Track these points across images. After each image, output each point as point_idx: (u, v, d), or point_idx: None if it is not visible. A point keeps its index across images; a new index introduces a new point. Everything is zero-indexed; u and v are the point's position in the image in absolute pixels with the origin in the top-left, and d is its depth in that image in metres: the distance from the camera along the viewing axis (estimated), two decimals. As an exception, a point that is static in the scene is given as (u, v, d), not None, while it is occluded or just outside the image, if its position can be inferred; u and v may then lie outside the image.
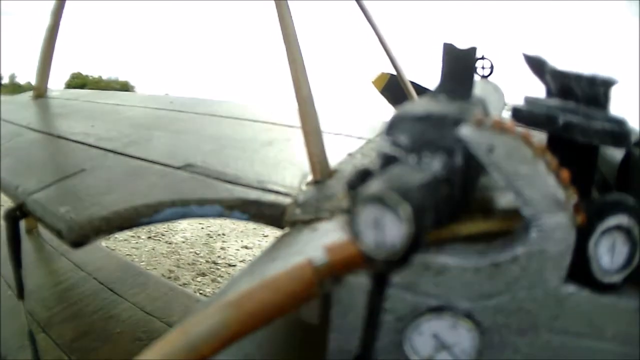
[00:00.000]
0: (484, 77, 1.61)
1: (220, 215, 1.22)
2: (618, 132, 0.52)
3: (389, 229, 0.39)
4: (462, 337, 0.56)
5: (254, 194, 1.26)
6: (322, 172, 1.30)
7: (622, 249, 0.48)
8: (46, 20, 2.61)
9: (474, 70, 0.66)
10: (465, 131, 0.44)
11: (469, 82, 0.62)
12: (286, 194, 1.24)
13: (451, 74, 0.60)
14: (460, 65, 0.60)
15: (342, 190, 1.20)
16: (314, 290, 0.50)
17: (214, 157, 1.66)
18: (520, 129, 0.44)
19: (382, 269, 0.43)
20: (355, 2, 2.36)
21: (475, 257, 0.52)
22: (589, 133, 0.51)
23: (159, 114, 2.29)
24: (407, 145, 0.48)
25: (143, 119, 2.18)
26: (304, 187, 1.27)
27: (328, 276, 0.51)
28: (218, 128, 2.07)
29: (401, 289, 0.57)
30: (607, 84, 0.54)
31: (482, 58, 1.61)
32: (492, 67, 1.61)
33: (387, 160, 0.50)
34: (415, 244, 0.40)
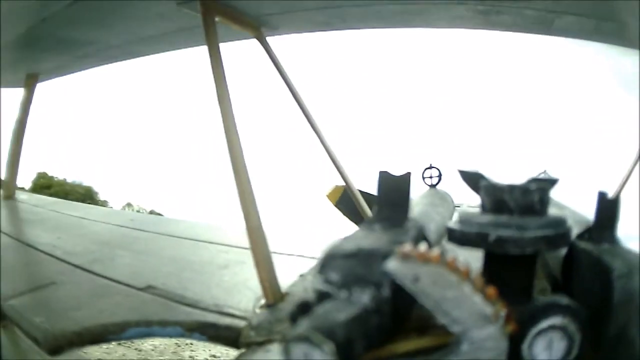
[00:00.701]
0: (432, 186, 1.63)
1: (181, 336, 1.37)
2: (553, 237, 0.54)
3: None
4: None
5: (211, 317, 1.43)
6: (273, 295, 1.45)
7: (559, 345, 0.52)
8: (14, 113, 2.77)
9: (409, 196, 0.66)
10: (391, 265, 0.47)
11: (405, 208, 0.65)
12: (241, 317, 1.42)
13: (387, 200, 0.63)
14: (395, 192, 0.63)
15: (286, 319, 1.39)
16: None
17: (174, 279, 1.82)
18: (447, 257, 0.46)
19: None
20: (305, 119, 2.50)
21: None
22: (521, 244, 0.53)
23: (122, 231, 2.45)
24: (338, 282, 0.52)
25: (107, 236, 2.33)
26: (257, 310, 1.46)
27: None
28: (177, 249, 2.25)
29: None
30: (542, 189, 0.55)
31: (430, 167, 1.65)
32: (440, 176, 1.64)
33: (321, 296, 0.54)
34: None
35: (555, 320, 0.49)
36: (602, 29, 2.24)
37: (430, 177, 1.56)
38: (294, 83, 2.41)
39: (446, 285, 0.45)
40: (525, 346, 0.50)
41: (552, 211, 0.90)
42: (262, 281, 1.49)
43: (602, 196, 0.65)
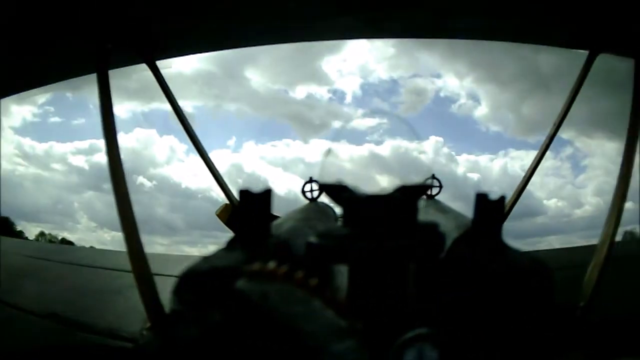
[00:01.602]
0: (312, 200, 1.51)
1: None
2: (420, 245, 0.48)
3: None
4: None
5: (106, 342, 1.79)
6: (157, 318, 1.66)
7: (431, 355, 0.42)
8: None
9: (270, 212, 0.62)
10: (240, 283, 0.43)
11: (266, 225, 0.64)
12: (130, 340, 1.76)
13: (248, 218, 0.62)
14: (256, 209, 0.62)
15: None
16: None
17: (73, 306, 2.17)
18: (296, 273, 0.42)
19: None
20: (191, 142, 2.45)
21: None
22: (383, 255, 0.47)
23: (29, 261, 2.68)
24: (192, 302, 0.48)
25: (16, 267, 2.56)
26: (144, 333, 1.73)
27: None
28: (76, 277, 2.58)
29: None
30: (406, 198, 0.50)
31: (310, 181, 1.56)
32: (320, 189, 1.44)
33: (177, 317, 0.49)
34: None
35: (421, 330, 0.44)
36: (503, 27, 2.30)
37: (311, 191, 1.47)
38: (182, 107, 2.43)
39: (295, 302, 0.42)
40: (391, 358, 0.43)
41: (435, 217, 0.92)
42: (145, 305, 1.65)
43: (480, 197, 0.62)
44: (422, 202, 1.26)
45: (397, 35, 2.65)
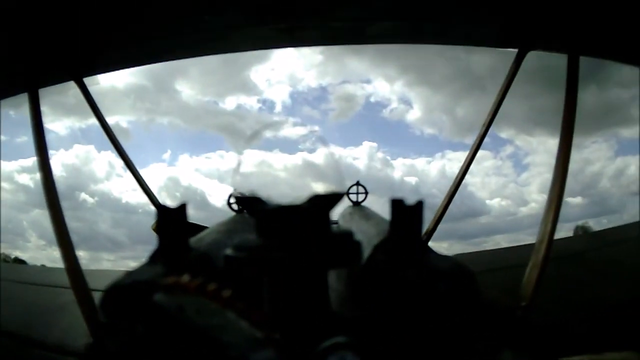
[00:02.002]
0: (237, 211, 1.46)
1: None
2: (332, 253, 0.50)
3: None
4: None
5: (53, 357, 2.13)
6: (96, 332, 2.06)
7: None
8: None
9: (186, 226, 0.64)
10: (157, 297, 0.45)
11: (185, 239, 0.64)
12: (77, 354, 2.00)
13: (167, 232, 0.62)
14: (174, 223, 0.61)
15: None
16: None
17: (24, 324, 2.47)
18: (209, 285, 0.44)
19: None
20: (121, 159, 2.47)
21: None
22: (294, 265, 0.50)
23: None
24: (115, 315, 0.51)
25: None
26: (86, 346, 2.14)
27: None
28: (25, 295, 2.86)
29: None
30: (318, 207, 0.52)
31: (235, 194, 1.64)
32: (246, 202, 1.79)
33: (106, 328, 0.52)
34: None
35: (339, 338, 0.44)
36: (427, 30, 2.30)
37: (236, 203, 1.45)
38: (116, 122, 2.85)
39: (209, 314, 0.42)
40: None
41: (358, 224, 0.93)
42: (85, 319, 1.83)
43: (396, 203, 0.62)
44: (348, 209, 1.36)
45: (319, 43, 2.71)
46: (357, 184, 1.53)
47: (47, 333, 2.33)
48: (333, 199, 0.53)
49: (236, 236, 0.76)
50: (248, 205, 0.56)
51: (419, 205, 0.57)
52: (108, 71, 2.48)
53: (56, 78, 2.26)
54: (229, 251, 0.51)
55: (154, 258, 0.62)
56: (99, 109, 2.36)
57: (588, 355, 1.25)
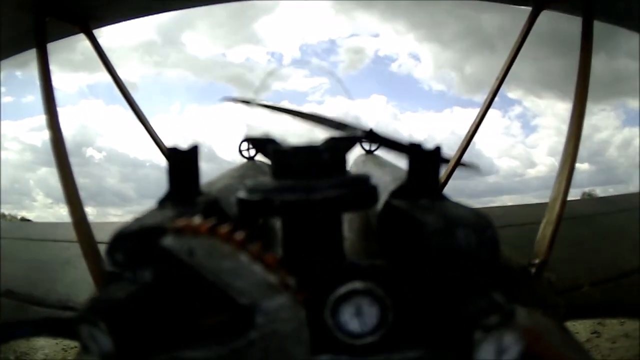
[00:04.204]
0: (249, 158, 1.47)
1: (33, 335, 1.88)
2: (349, 196, 0.49)
3: (100, 341, 0.44)
4: None
5: (57, 314, 2.00)
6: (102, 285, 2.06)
7: (370, 311, 0.47)
8: None
9: (198, 169, 0.63)
10: (166, 241, 0.45)
11: (195, 182, 0.63)
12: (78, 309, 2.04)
13: (177, 176, 0.61)
14: (185, 167, 0.60)
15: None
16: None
17: (26, 281, 2.37)
18: (221, 227, 0.43)
19: None
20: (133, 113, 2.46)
21: (216, 347, 0.49)
22: (309, 207, 0.48)
23: None
24: (123, 262, 0.51)
25: None
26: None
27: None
28: (28, 252, 2.75)
29: None
30: (334, 148, 0.52)
31: (247, 139, 1.47)
32: (257, 148, 1.39)
33: (111, 278, 0.52)
34: (129, 346, 0.43)
35: (355, 285, 0.45)
36: None
37: (248, 150, 1.45)
38: (121, 76, 2.41)
39: (221, 256, 0.42)
40: (327, 314, 0.46)
41: (371, 170, 0.92)
42: (91, 273, 1.74)
43: (414, 148, 0.61)
44: (360, 157, 1.39)
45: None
46: (370, 131, 1.37)
47: (49, 290, 2.23)
48: (349, 141, 0.57)
49: (249, 181, 0.72)
50: (262, 146, 0.59)
51: (437, 150, 0.57)
52: (118, 21, 2.42)
53: (65, 31, 2.19)
54: (241, 194, 0.51)
55: (163, 203, 0.61)
56: (109, 60, 2.33)
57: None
